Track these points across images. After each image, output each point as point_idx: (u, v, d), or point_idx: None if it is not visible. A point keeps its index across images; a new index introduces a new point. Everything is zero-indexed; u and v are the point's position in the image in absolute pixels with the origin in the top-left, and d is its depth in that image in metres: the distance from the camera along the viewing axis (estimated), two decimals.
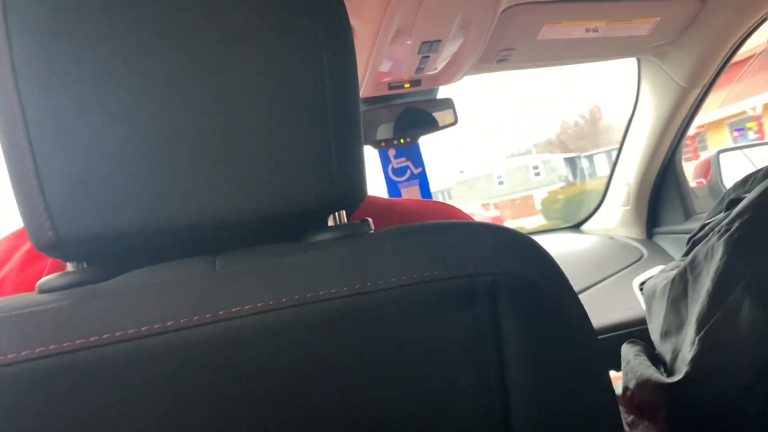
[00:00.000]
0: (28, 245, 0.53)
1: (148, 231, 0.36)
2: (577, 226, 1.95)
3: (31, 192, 0.35)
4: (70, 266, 0.38)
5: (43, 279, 0.38)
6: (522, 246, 0.40)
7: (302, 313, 0.34)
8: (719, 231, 0.61)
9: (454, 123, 1.43)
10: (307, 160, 0.38)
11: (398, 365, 0.36)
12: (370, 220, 0.42)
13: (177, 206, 0.36)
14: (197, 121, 0.36)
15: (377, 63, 1.17)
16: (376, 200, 0.60)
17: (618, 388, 0.72)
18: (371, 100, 1.41)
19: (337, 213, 0.41)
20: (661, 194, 1.69)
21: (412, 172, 1.47)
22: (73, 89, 0.35)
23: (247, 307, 0.34)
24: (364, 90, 1.28)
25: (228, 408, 0.34)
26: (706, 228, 0.69)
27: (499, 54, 1.25)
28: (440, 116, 1.45)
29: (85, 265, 0.38)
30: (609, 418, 0.39)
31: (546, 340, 0.38)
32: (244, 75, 0.37)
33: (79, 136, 0.35)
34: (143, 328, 0.33)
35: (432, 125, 1.44)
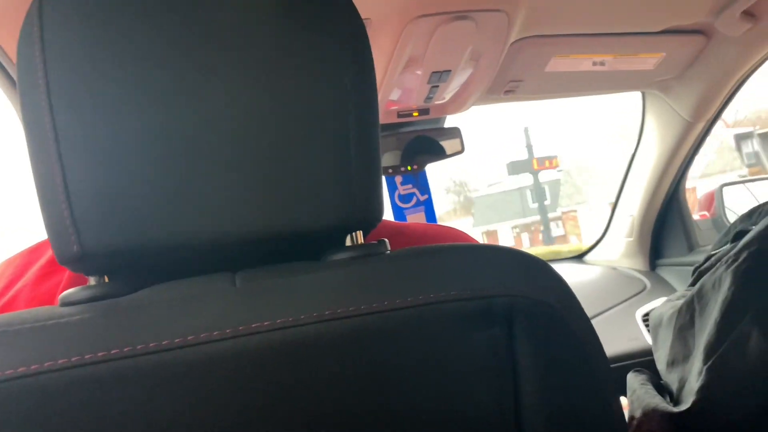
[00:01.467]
0: (43, 260, 0.54)
1: (170, 246, 0.37)
2: (580, 257, 1.95)
3: (58, 206, 0.36)
4: (92, 280, 0.39)
5: (65, 292, 0.38)
6: (538, 269, 0.41)
7: (320, 330, 0.35)
8: (727, 261, 0.62)
9: (461, 152, 1.45)
10: (327, 181, 0.39)
11: (414, 383, 0.36)
12: (386, 240, 0.43)
13: (199, 223, 0.37)
14: (221, 140, 0.37)
15: (387, 91, 1.19)
16: (387, 223, 0.61)
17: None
18: (380, 128, 1.43)
19: (354, 233, 0.41)
20: (665, 226, 1.70)
21: (418, 199, 1.49)
22: (102, 107, 0.36)
23: (266, 323, 0.35)
24: None
25: (246, 422, 0.34)
26: (713, 259, 0.69)
27: (507, 85, 1.28)
28: (448, 145, 1.46)
29: (107, 279, 0.39)
30: None
31: (560, 361, 0.38)
32: (268, 97, 0.38)
33: (107, 153, 0.36)
34: (164, 342, 0.34)
35: (439, 153, 1.46)
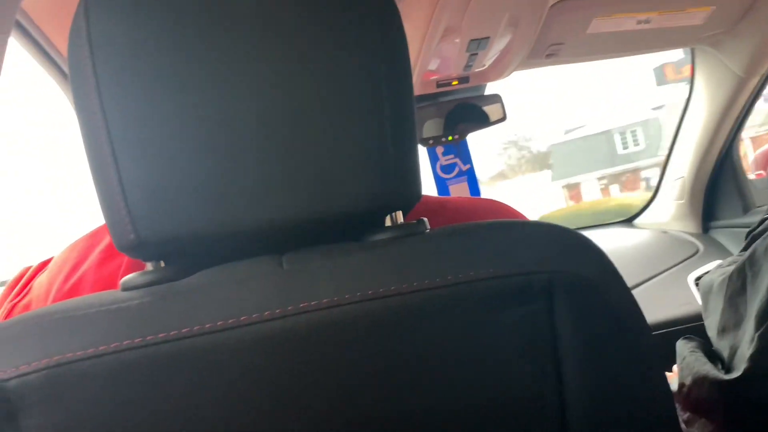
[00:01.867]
0: (103, 244, 0.57)
1: (218, 233, 0.39)
2: (629, 221, 1.91)
3: (114, 199, 0.38)
4: (149, 265, 0.41)
5: (126, 277, 0.41)
6: (577, 244, 0.41)
7: (363, 309, 0.36)
8: None
9: (503, 119, 1.43)
10: (364, 164, 0.40)
11: (454, 360, 0.37)
12: (425, 220, 0.44)
13: (245, 209, 0.38)
14: (263, 129, 0.38)
15: (425, 62, 1.18)
16: (428, 199, 0.62)
17: (674, 385, 0.72)
18: (419, 99, 1.42)
19: (393, 213, 0.42)
20: (718, 187, 1.65)
21: (460, 169, 1.48)
22: (149, 104, 0.37)
23: (312, 303, 0.36)
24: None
25: (294, 396, 0.36)
26: (767, 222, 0.67)
27: (548, 49, 1.25)
28: (490, 111, 1.44)
29: (162, 264, 0.41)
30: (665, 416, 0.40)
31: (600, 337, 0.39)
32: (303, 83, 0.39)
33: (155, 147, 0.38)
34: (218, 323, 0.36)
35: (482, 120, 1.44)
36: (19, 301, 0.60)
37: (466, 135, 1.48)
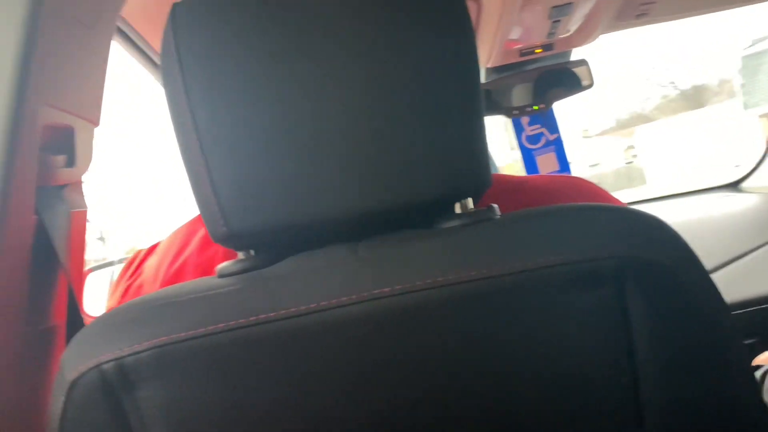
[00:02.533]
0: (202, 232, 0.62)
1: (300, 223, 0.42)
2: (735, 185, 1.79)
3: (207, 194, 0.42)
4: (240, 254, 0.45)
5: (221, 265, 0.45)
6: (649, 228, 0.40)
7: (434, 295, 0.38)
8: None
9: (591, 85, 1.38)
10: (432, 153, 0.41)
11: (523, 348, 0.38)
12: (496, 206, 0.45)
13: (325, 201, 0.41)
14: (340, 124, 0.40)
15: (506, 31, 1.16)
16: (506, 179, 0.62)
17: None
18: (502, 68, 1.40)
19: (463, 200, 0.44)
20: None
21: (547, 139, 1.45)
22: (234, 105, 0.41)
23: (386, 289, 0.39)
24: (494, 59, 1.28)
25: (369, 379, 0.39)
26: None
27: (638, 8, 1.18)
28: (580, 74, 1.39)
29: (252, 253, 0.45)
30: (747, 406, 0.39)
31: (676, 325, 0.38)
32: (372, 76, 0.40)
33: (242, 145, 0.41)
34: (301, 308, 0.39)
35: (575, 84, 1.38)
36: (133, 282, 0.68)
37: (552, 103, 1.44)
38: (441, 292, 0.38)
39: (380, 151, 0.41)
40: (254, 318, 0.39)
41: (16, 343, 0.55)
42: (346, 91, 0.40)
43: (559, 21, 1.12)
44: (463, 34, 0.42)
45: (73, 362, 0.40)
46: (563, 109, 1.47)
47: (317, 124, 0.40)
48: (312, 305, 0.39)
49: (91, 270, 1.48)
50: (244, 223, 0.42)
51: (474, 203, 0.44)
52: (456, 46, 0.41)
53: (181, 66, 0.41)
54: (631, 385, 0.38)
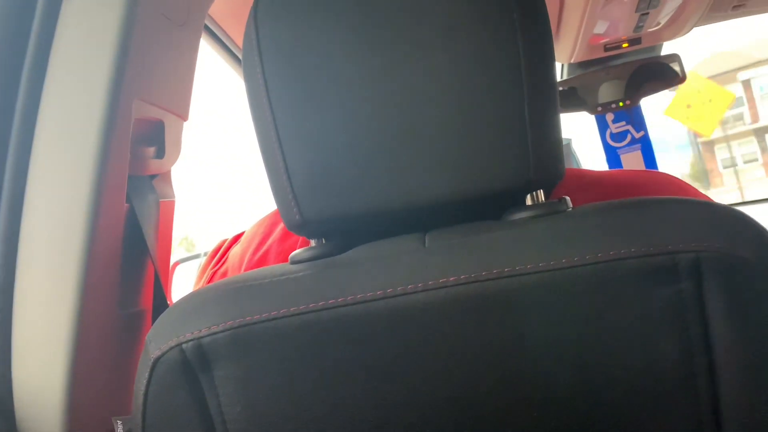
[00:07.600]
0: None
1: (371, 213, 0.43)
2: None
3: (282, 185, 0.44)
4: (313, 242, 0.47)
5: (294, 252, 0.47)
6: (731, 222, 0.38)
7: (499, 286, 0.38)
8: None
9: (683, 81, 1.31)
10: (505, 145, 0.41)
11: (591, 341, 0.37)
12: (568, 198, 0.44)
13: (394, 191, 0.42)
14: (406, 116, 0.41)
15: (591, 25, 1.12)
16: (584, 173, 0.60)
17: None
18: (587, 63, 1.35)
19: (535, 192, 0.43)
20: None
21: (633, 137, 1.39)
22: (310, 97, 0.42)
23: (451, 278, 0.39)
24: (577, 55, 1.24)
25: (431, 365, 0.39)
26: None
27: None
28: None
29: (324, 241, 0.46)
30: None
31: (760, 322, 0.36)
32: (445, 69, 0.41)
33: (316, 137, 0.42)
34: (368, 294, 0.40)
35: (671, 78, 1.31)
36: (218, 269, 0.71)
37: (639, 100, 1.38)
38: (508, 282, 0.38)
39: (452, 142, 0.41)
40: (323, 303, 0.40)
41: (109, 324, 0.59)
42: (420, 84, 0.41)
43: (647, 14, 1.07)
44: (540, 28, 0.42)
45: (157, 341, 0.42)
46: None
47: (389, 117, 0.41)
48: (379, 292, 0.39)
49: (179, 262, 1.57)
50: (315, 212, 0.43)
51: (546, 196, 0.44)
52: (531, 39, 0.41)
53: (261, 58, 0.42)
54: (708, 386, 0.36)
